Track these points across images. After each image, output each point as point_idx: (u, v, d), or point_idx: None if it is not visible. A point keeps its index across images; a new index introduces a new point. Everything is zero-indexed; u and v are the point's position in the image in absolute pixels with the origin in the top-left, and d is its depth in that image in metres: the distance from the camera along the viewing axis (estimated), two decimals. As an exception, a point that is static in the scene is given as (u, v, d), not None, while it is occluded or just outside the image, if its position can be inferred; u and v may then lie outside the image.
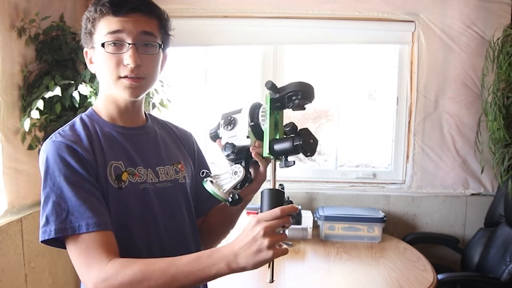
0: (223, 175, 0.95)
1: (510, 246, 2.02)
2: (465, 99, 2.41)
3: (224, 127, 0.96)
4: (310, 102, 0.89)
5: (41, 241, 0.83)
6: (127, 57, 0.89)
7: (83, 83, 2.00)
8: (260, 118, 0.91)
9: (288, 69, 2.60)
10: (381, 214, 2.28)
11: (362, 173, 2.62)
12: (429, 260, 1.97)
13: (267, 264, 0.81)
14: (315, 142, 0.89)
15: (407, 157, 2.53)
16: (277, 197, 0.83)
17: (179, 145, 1.09)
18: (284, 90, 0.87)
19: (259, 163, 0.94)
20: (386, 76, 2.64)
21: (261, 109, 0.92)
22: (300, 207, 2.31)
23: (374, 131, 2.70)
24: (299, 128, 0.89)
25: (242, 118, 0.94)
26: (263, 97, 0.92)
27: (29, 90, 2.03)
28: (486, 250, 2.18)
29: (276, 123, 0.91)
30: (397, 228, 2.52)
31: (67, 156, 0.85)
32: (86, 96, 2.02)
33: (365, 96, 2.74)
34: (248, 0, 2.41)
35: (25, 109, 1.99)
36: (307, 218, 2.26)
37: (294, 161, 0.89)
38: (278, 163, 0.89)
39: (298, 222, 2.24)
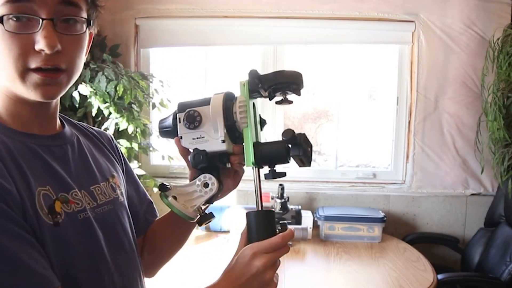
0: (189, 188, 0.77)
1: (510, 246, 2.02)
2: (465, 99, 2.41)
3: (185, 125, 0.75)
4: (299, 95, 0.74)
5: None
6: (41, 38, 0.60)
7: (83, 83, 2.00)
8: (238, 115, 0.72)
9: (288, 69, 2.59)
10: (381, 214, 2.28)
11: (362, 173, 2.62)
12: (429, 260, 1.97)
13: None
14: (312, 149, 0.74)
15: (407, 157, 2.53)
16: (270, 221, 0.70)
17: (106, 152, 0.84)
18: (270, 80, 0.72)
19: (237, 172, 0.80)
20: (386, 76, 2.64)
21: (237, 103, 0.73)
22: (300, 207, 2.31)
23: (374, 131, 2.70)
24: (295, 133, 0.72)
25: (212, 115, 0.74)
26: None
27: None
28: (486, 250, 2.18)
29: (254, 118, 0.75)
30: (397, 228, 2.52)
31: None
32: (86, 96, 2.02)
33: (365, 96, 2.74)
34: (248, 0, 2.41)
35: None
36: (307, 218, 2.26)
37: (285, 172, 0.74)
38: (263, 173, 0.74)
39: (298, 222, 2.24)
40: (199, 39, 2.49)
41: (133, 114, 2.09)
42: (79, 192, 0.70)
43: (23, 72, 0.62)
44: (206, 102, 0.75)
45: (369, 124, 2.69)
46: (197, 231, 2.28)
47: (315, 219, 2.30)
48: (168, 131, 0.80)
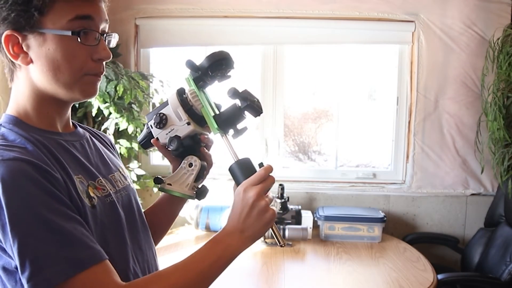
0: (178, 172, 0.92)
1: (510, 246, 2.02)
2: (465, 99, 2.41)
3: (157, 127, 0.90)
4: (233, 68, 0.88)
5: None
6: (101, 50, 0.75)
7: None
8: (192, 100, 0.87)
9: (288, 69, 2.60)
10: (381, 214, 2.28)
11: (362, 173, 2.62)
12: (429, 260, 1.97)
13: (272, 231, 0.81)
14: (258, 100, 0.86)
15: (407, 157, 2.53)
16: (248, 164, 0.81)
17: (110, 150, 0.98)
18: (204, 66, 0.85)
19: (207, 146, 0.94)
20: (386, 76, 2.64)
21: (189, 92, 0.88)
22: (300, 207, 2.31)
23: (374, 131, 2.70)
24: (236, 89, 0.85)
25: (173, 109, 0.88)
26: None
27: (29, 90, 2.02)
28: (486, 250, 2.18)
29: (208, 101, 0.89)
30: (397, 228, 2.52)
31: (35, 176, 0.64)
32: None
33: (365, 96, 2.73)
34: (248, 0, 2.41)
35: (25, 109, 1.98)
36: (307, 218, 2.26)
37: (246, 127, 0.86)
38: (230, 136, 0.86)
39: (298, 222, 2.24)
40: (199, 39, 2.49)
41: (133, 114, 2.09)
42: (102, 180, 0.81)
43: (81, 76, 0.74)
44: (165, 103, 0.90)
45: (369, 124, 2.69)
46: (197, 231, 2.28)
47: (315, 219, 2.29)
48: (147, 141, 0.95)
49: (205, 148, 0.95)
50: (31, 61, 0.73)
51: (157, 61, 2.62)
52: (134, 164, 2.19)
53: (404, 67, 2.51)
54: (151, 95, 2.26)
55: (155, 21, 2.45)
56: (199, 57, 0.89)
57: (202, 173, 0.92)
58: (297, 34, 2.47)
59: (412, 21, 2.40)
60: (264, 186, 0.77)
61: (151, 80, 2.29)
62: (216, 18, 2.44)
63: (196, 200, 0.95)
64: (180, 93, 0.89)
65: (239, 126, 0.86)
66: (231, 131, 0.86)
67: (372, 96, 2.76)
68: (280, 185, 2.24)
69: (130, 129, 2.04)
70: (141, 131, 2.10)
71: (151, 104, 2.29)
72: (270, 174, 0.79)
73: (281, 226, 2.15)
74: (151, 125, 0.92)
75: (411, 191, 2.51)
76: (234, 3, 2.41)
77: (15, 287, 0.67)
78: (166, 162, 2.28)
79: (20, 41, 0.71)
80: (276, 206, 2.22)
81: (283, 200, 2.22)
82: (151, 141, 0.93)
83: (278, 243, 0.81)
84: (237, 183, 0.80)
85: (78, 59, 0.73)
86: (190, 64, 0.86)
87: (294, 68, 2.63)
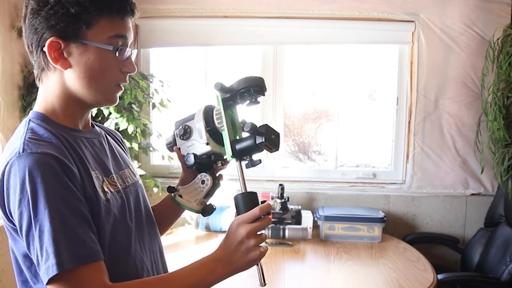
0: (190, 186, 0.96)
1: (510, 246, 2.02)
2: (465, 99, 2.41)
3: (180, 137, 0.94)
4: (263, 95, 0.90)
5: (47, 283, 0.69)
6: (129, 64, 0.83)
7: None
8: (216, 122, 0.89)
9: (288, 69, 2.60)
10: (381, 214, 2.28)
11: (362, 173, 2.62)
12: (429, 260, 1.97)
13: (257, 269, 0.84)
14: (277, 136, 0.88)
15: (407, 157, 2.53)
16: (252, 199, 0.83)
17: (122, 147, 1.04)
18: (235, 89, 0.87)
19: (223, 166, 0.99)
20: (386, 76, 2.64)
21: (214, 112, 0.89)
22: (300, 207, 2.31)
23: (374, 131, 2.70)
24: (258, 125, 0.86)
25: (197, 124, 0.92)
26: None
27: (29, 90, 2.03)
28: (486, 250, 2.18)
29: (232, 122, 0.90)
30: (397, 228, 2.52)
31: (57, 171, 0.71)
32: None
33: (365, 96, 2.73)
34: (248, 0, 2.41)
35: (25, 109, 1.99)
36: (307, 218, 2.26)
37: (260, 160, 0.88)
38: (244, 163, 0.89)
39: (298, 222, 2.24)
40: (199, 39, 2.49)
41: (133, 114, 2.09)
42: (115, 176, 0.88)
43: (113, 86, 0.83)
44: (193, 116, 0.93)
45: (369, 124, 2.69)
46: (197, 231, 2.29)
47: (315, 219, 2.29)
48: (171, 146, 0.99)
49: (218, 165, 0.99)
50: (70, 66, 0.79)
51: (157, 61, 2.62)
52: (134, 164, 2.19)
53: (404, 67, 2.51)
54: (151, 95, 2.26)
55: (155, 21, 2.45)
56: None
57: (213, 191, 0.96)
58: (297, 34, 2.47)
59: (412, 21, 2.39)
60: (258, 225, 0.80)
61: (151, 80, 2.28)
62: (216, 18, 2.44)
63: (200, 215, 0.99)
64: (208, 110, 0.91)
65: (254, 157, 0.88)
66: (245, 160, 0.88)
67: (372, 96, 2.76)
68: (280, 185, 2.24)
69: (130, 129, 2.03)
70: (141, 131, 2.11)
71: (151, 104, 2.29)
72: (268, 213, 0.82)
73: (281, 226, 2.15)
74: (176, 134, 0.96)
75: (411, 191, 2.51)
76: (234, 3, 2.41)
77: (31, 274, 0.77)
78: (166, 162, 2.28)
79: (62, 47, 0.78)
80: (276, 206, 2.22)
81: (283, 200, 2.22)
82: (173, 148, 0.98)
83: (259, 281, 0.84)
84: (238, 214, 0.84)
85: (112, 71, 0.82)
86: (220, 87, 0.88)
87: (294, 68, 2.63)
